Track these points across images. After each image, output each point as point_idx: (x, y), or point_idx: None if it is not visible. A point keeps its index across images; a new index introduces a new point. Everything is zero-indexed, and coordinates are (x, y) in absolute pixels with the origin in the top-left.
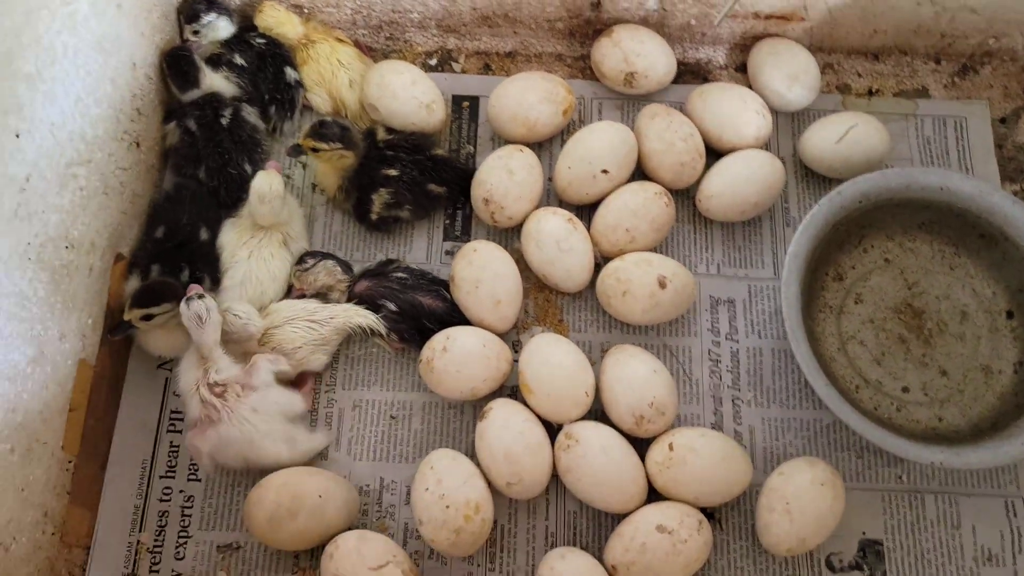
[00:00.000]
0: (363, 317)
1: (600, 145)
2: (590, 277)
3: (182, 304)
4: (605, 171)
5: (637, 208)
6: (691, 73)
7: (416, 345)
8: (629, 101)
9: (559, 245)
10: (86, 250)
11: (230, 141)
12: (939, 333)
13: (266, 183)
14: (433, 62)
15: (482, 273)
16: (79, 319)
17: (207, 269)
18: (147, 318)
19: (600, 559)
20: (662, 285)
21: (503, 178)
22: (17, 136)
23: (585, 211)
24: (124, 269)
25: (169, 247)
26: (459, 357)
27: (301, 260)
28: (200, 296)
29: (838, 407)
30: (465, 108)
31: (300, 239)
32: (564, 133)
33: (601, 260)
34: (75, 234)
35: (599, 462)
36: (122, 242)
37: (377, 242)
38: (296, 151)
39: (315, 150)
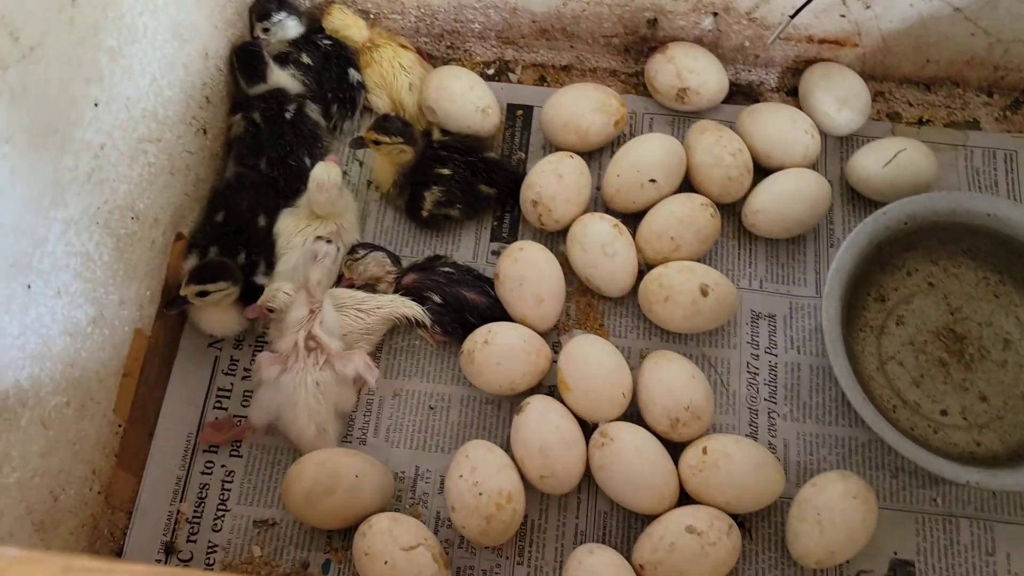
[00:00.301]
0: (409, 308)
1: (650, 155)
2: (633, 283)
3: (313, 241)
4: (653, 180)
5: (683, 217)
6: (743, 94)
7: (458, 339)
8: (680, 118)
9: (604, 249)
10: (150, 224)
11: (292, 135)
12: (980, 359)
13: (325, 172)
14: (491, 72)
15: (526, 271)
16: (138, 289)
17: (263, 254)
18: (202, 295)
19: (629, 559)
20: (704, 293)
21: (552, 181)
22: (96, 105)
23: (631, 220)
24: (183, 248)
25: (228, 231)
26: (499, 350)
27: (353, 251)
28: (328, 241)
29: (874, 421)
30: (519, 116)
31: (353, 231)
32: (614, 144)
33: (645, 267)
34: (141, 207)
35: (632, 461)
36: (183, 222)
37: (426, 239)
38: (358, 143)
39: (377, 143)
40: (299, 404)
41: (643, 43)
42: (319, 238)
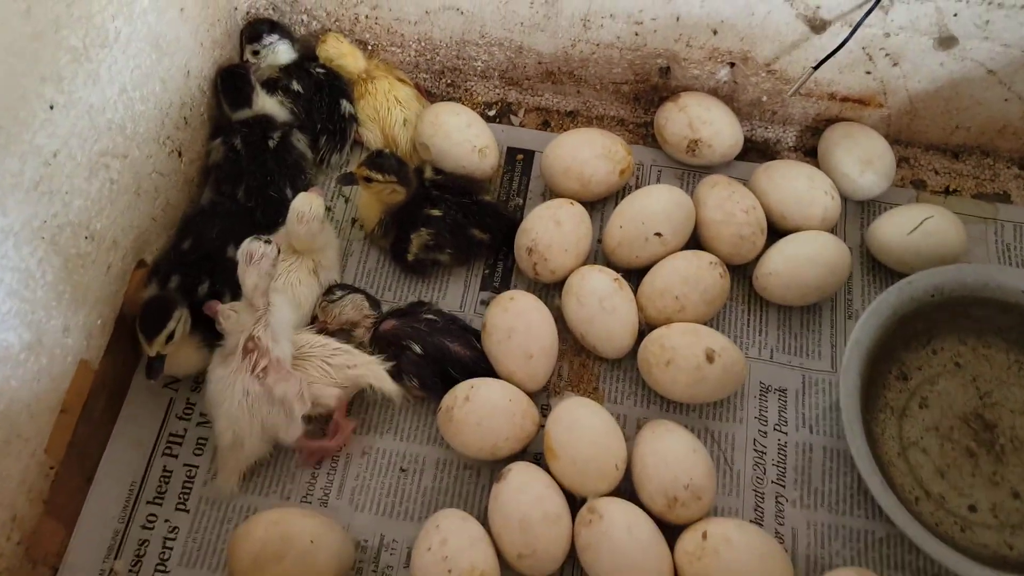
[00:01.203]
0: (381, 381)
1: (656, 207)
2: (632, 343)
3: (247, 240)
4: (659, 234)
5: (689, 276)
6: (757, 151)
7: (437, 395)
8: (690, 172)
9: (602, 304)
10: (107, 246)
11: (274, 163)
12: (1013, 451)
13: (307, 202)
14: (492, 113)
15: (516, 323)
16: (87, 316)
17: (229, 285)
18: (170, 337)
19: None
20: (710, 359)
21: (550, 228)
22: (51, 107)
23: (633, 276)
24: (144, 277)
25: (193, 259)
26: (481, 409)
27: (329, 291)
28: (266, 241)
29: (895, 512)
30: (519, 161)
31: (332, 270)
32: (619, 195)
33: (646, 327)
34: (97, 226)
35: (623, 542)
36: (147, 248)
37: (411, 284)
38: (347, 179)
39: (368, 180)
40: (223, 406)
41: (654, 92)
42: (256, 237)
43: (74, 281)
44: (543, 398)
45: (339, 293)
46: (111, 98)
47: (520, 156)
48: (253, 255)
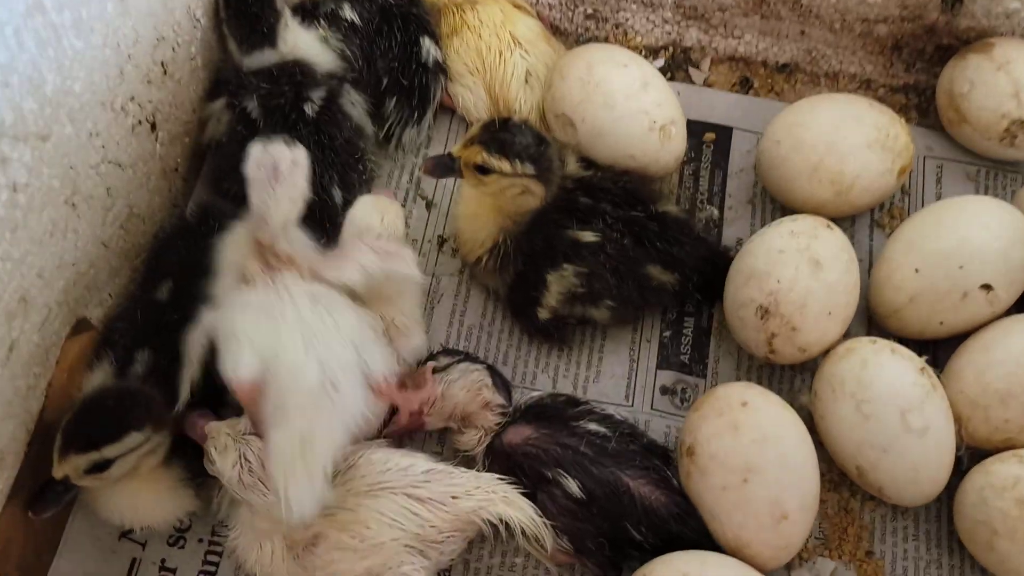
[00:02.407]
0: (515, 508)
1: (981, 239)
2: (946, 481)
3: (255, 147)
4: (987, 287)
5: None
6: None
7: (599, 563)
8: (990, 170)
9: (905, 418)
10: (8, 313)
11: (315, 145)
12: None
13: (376, 213)
14: (659, 64)
15: (758, 454)
16: None
17: None
18: (99, 468)
19: None
20: None
21: (802, 274)
22: None
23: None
24: (88, 348)
25: (175, 320)
26: None
27: (433, 356)
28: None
29: None
30: (707, 144)
31: (415, 331)
32: (876, 210)
33: (963, 452)
34: None
35: None
36: (92, 298)
37: (541, 356)
38: (443, 168)
39: (483, 170)
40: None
41: (928, 38)
42: (270, 139)
43: None
44: (781, 572)
45: (444, 360)
46: (14, 25)
47: (710, 136)
48: (278, 166)
